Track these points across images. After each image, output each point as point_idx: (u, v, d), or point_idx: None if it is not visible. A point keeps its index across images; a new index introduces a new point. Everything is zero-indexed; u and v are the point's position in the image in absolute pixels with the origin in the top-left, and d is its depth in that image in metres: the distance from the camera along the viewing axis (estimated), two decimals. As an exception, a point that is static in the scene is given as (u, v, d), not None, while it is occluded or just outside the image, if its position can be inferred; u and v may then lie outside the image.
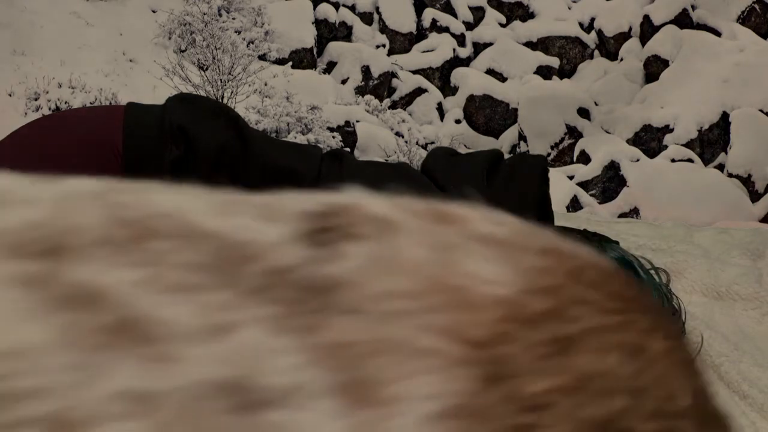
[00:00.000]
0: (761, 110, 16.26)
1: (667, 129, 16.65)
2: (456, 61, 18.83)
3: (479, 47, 19.32)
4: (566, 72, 19.55)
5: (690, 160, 15.84)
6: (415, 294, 0.29)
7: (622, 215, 13.48)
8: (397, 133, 16.48)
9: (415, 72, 18.41)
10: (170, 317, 0.25)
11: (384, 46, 18.72)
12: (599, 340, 0.30)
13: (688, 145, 16.32)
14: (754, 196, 15.33)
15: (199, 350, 0.25)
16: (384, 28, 18.86)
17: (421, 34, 19.16)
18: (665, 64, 17.78)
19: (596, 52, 19.74)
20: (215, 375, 0.25)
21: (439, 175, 1.29)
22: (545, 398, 0.28)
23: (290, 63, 16.97)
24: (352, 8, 18.71)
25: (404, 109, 17.65)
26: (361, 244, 0.30)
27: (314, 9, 18.10)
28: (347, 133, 15.52)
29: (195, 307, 0.26)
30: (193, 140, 1.14)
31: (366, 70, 17.59)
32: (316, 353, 0.26)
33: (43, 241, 0.26)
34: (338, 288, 0.28)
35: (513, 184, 1.30)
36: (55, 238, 0.27)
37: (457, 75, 18.61)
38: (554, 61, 19.41)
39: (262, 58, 16.13)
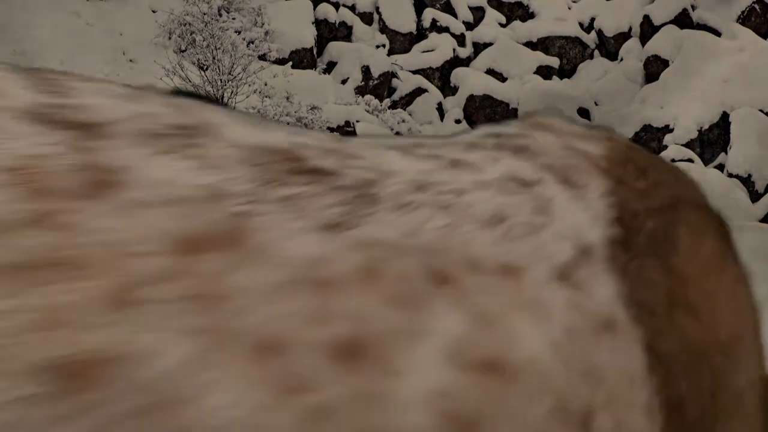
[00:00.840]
0: (761, 110, 16.25)
1: (667, 129, 16.65)
2: (456, 61, 18.82)
3: (479, 47, 19.31)
4: (566, 72, 19.54)
5: (690, 160, 15.84)
6: (562, 154, 0.59)
7: (623, 215, 13.47)
8: (397, 133, 16.47)
9: (415, 72, 18.40)
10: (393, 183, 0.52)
11: (384, 46, 18.71)
12: (665, 177, 0.63)
13: (688, 145, 16.32)
14: (754, 196, 15.33)
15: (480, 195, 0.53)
16: (384, 28, 18.85)
17: (421, 34, 19.14)
18: (665, 64, 17.78)
19: (596, 52, 19.73)
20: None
21: None
22: (654, 202, 0.58)
23: (290, 63, 16.96)
24: (352, 8, 18.70)
25: (404, 109, 17.64)
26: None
27: (314, 9, 18.08)
28: (347, 133, 15.51)
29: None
30: None
31: (366, 70, 17.58)
32: (542, 172, 0.55)
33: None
34: (531, 148, 0.59)
35: None
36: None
37: (457, 75, 18.60)
38: (554, 61, 19.40)
39: (262, 58, 16.11)
